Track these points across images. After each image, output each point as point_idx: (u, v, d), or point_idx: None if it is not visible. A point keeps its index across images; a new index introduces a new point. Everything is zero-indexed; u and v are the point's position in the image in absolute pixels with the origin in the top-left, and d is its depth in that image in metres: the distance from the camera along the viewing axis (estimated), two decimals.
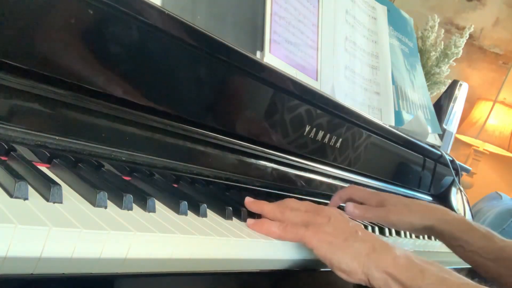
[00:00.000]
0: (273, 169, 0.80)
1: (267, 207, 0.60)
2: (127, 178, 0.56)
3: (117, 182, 0.52)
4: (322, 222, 0.56)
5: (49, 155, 0.50)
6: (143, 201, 0.47)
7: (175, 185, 0.62)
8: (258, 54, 0.78)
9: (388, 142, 1.05)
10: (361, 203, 0.77)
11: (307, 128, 0.81)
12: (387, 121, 1.07)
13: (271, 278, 0.54)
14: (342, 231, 0.55)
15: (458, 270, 0.56)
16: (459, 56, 1.49)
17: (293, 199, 0.63)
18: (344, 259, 0.53)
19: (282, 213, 0.58)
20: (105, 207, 0.43)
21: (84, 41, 0.51)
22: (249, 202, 0.61)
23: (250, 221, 0.56)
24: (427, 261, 0.53)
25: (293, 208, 0.60)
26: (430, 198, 1.35)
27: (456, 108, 1.46)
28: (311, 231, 0.55)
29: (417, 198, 1.29)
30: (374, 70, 1.09)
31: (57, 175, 0.48)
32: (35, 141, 0.50)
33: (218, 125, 0.68)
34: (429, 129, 1.22)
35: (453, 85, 1.46)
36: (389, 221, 0.76)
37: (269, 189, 0.79)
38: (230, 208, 0.57)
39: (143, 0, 0.53)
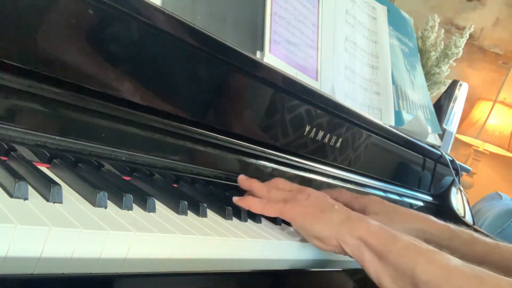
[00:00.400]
0: (273, 169, 0.80)
1: (256, 185, 0.65)
2: (127, 178, 0.56)
3: (117, 182, 0.52)
4: (302, 198, 0.61)
5: (49, 155, 0.50)
6: (143, 201, 0.47)
7: (175, 185, 0.62)
8: (258, 54, 0.78)
9: (388, 142, 1.05)
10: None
11: (307, 128, 0.81)
12: (387, 121, 1.07)
13: (271, 278, 0.54)
14: (320, 204, 0.59)
15: None
16: (459, 56, 1.49)
17: (282, 179, 0.68)
18: (318, 226, 0.56)
19: (268, 191, 0.63)
20: (105, 207, 0.43)
21: (84, 41, 0.51)
22: (242, 178, 0.67)
23: (235, 198, 0.61)
24: (400, 232, 0.55)
25: (279, 187, 0.65)
26: (430, 198, 1.35)
27: (456, 108, 1.46)
28: (289, 206, 0.59)
29: (417, 198, 1.29)
30: (374, 70, 1.09)
31: (57, 175, 0.48)
32: (35, 141, 0.50)
33: (218, 125, 0.68)
34: (429, 129, 1.22)
35: (453, 85, 1.46)
36: None
37: None
38: (230, 208, 0.57)
39: (143, 0, 0.53)
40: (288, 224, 0.66)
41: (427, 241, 0.75)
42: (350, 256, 0.55)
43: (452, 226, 0.76)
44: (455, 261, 0.50)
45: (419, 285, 0.48)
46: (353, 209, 0.77)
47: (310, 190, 0.64)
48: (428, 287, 0.48)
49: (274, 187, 0.65)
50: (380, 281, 0.52)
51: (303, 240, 0.61)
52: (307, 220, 0.57)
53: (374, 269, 0.52)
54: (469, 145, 2.89)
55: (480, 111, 2.82)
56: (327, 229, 0.55)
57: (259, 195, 0.64)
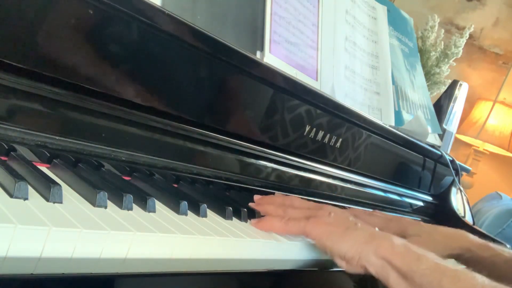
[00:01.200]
0: (273, 169, 0.80)
1: (270, 208, 0.62)
2: (127, 178, 0.56)
3: (117, 182, 0.52)
4: (323, 214, 0.59)
5: (49, 155, 0.50)
6: (143, 201, 0.47)
7: (175, 185, 0.62)
8: (258, 54, 0.78)
9: (388, 142, 1.05)
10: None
11: (307, 128, 0.81)
12: (387, 121, 1.07)
13: (271, 278, 0.54)
14: (343, 222, 0.58)
15: None
16: (459, 56, 1.49)
17: (297, 197, 0.66)
18: (343, 246, 0.55)
19: (285, 211, 0.61)
20: (105, 207, 0.43)
21: (84, 41, 0.51)
22: (254, 205, 0.64)
23: (253, 220, 0.58)
24: (424, 251, 0.54)
25: (295, 206, 0.62)
26: (430, 198, 1.35)
27: (456, 108, 1.46)
28: (312, 223, 0.57)
29: (417, 198, 1.29)
30: (374, 70, 1.09)
31: (57, 175, 0.48)
32: (35, 141, 0.50)
33: (218, 125, 0.68)
34: (429, 129, 1.22)
35: (453, 85, 1.46)
36: None
37: (269, 189, 0.78)
38: (230, 208, 0.57)
39: (143, 0, 0.53)
40: None
41: (469, 258, 0.74)
42: (375, 276, 0.55)
43: (491, 244, 0.75)
44: (481, 279, 0.49)
45: None
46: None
47: (330, 207, 0.62)
48: None
49: (290, 207, 0.63)
50: None
51: (303, 240, 0.61)
52: (331, 239, 0.56)
53: None
54: (469, 145, 2.89)
55: (480, 111, 2.81)
56: (351, 248, 0.55)
57: (276, 214, 0.61)
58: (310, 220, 0.58)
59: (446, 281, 0.49)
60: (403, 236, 0.75)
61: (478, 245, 0.76)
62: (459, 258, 0.75)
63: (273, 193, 0.79)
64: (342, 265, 0.56)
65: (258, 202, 0.64)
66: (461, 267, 0.53)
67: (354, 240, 0.55)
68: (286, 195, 0.72)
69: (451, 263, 0.55)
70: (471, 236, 0.76)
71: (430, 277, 0.50)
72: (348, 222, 0.58)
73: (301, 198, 0.68)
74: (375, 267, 0.54)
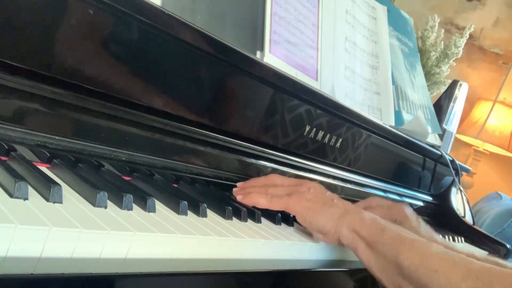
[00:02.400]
0: (273, 169, 0.80)
1: (254, 189, 0.67)
2: (127, 178, 0.56)
3: (117, 182, 0.52)
4: (304, 190, 0.65)
5: (49, 155, 0.50)
6: (143, 201, 0.47)
7: (175, 185, 0.62)
8: (258, 54, 0.78)
9: (388, 142, 1.05)
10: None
11: (307, 128, 0.81)
12: (387, 121, 1.07)
13: (271, 278, 0.54)
14: (321, 198, 0.64)
15: None
16: (459, 56, 1.49)
17: (277, 174, 0.72)
18: (321, 221, 0.61)
19: (266, 190, 0.66)
20: (105, 207, 0.43)
21: (84, 41, 0.51)
22: (236, 189, 0.68)
23: (239, 196, 0.64)
24: (391, 224, 0.60)
25: (276, 183, 0.68)
26: (430, 198, 1.35)
27: (456, 108, 1.46)
28: (294, 199, 0.63)
29: (417, 198, 1.29)
30: (374, 70, 1.09)
31: (57, 175, 0.48)
32: (35, 141, 0.50)
33: (218, 125, 0.68)
34: (429, 129, 1.22)
35: (453, 85, 1.46)
36: None
37: None
38: (230, 208, 0.57)
39: (143, 0, 0.53)
40: (289, 224, 0.66)
41: None
42: (347, 247, 0.61)
43: (499, 260, 0.74)
44: (436, 247, 0.54)
45: (402, 272, 0.53)
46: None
47: (308, 182, 0.68)
48: (409, 272, 0.52)
49: (272, 185, 0.67)
50: (371, 269, 0.57)
51: (303, 240, 0.61)
52: (310, 214, 0.62)
53: (366, 258, 0.58)
54: (469, 145, 2.89)
55: (480, 111, 2.81)
56: (328, 223, 0.60)
57: (260, 196, 0.65)
58: (292, 196, 0.63)
59: (403, 249, 0.54)
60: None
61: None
62: None
63: None
64: (320, 238, 0.62)
65: (241, 187, 0.69)
66: (420, 238, 0.57)
67: (331, 215, 0.61)
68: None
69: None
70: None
71: (391, 246, 0.55)
72: (325, 198, 0.64)
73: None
74: (347, 239, 0.59)
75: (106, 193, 0.44)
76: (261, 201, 0.64)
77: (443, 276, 0.50)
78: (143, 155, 0.60)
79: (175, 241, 0.44)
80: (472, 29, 1.49)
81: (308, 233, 0.65)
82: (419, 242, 0.55)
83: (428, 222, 1.12)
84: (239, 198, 0.64)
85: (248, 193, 0.66)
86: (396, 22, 1.24)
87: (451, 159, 1.30)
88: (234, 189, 0.68)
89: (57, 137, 0.52)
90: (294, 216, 0.65)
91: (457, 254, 0.53)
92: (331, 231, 0.60)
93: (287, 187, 0.67)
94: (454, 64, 1.51)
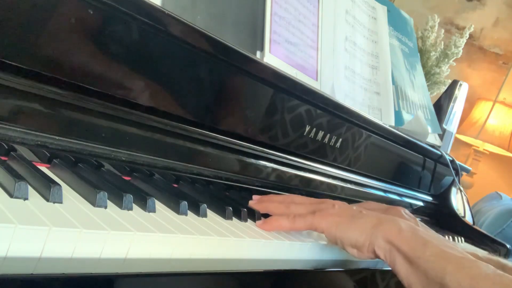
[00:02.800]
0: (273, 169, 0.80)
1: (272, 205, 0.62)
2: (127, 178, 0.56)
3: (117, 182, 0.52)
4: (328, 207, 0.60)
5: (49, 155, 0.50)
6: (143, 201, 0.47)
7: (175, 185, 0.62)
8: (258, 54, 0.78)
9: (388, 142, 1.05)
10: None
11: (307, 128, 0.81)
12: (387, 121, 1.07)
13: (271, 278, 0.54)
14: (348, 211, 0.59)
15: None
16: (459, 56, 1.49)
17: (297, 195, 0.66)
18: (353, 235, 0.56)
19: (288, 208, 0.61)
20: (105, 207, 0.43)
21: (83, 41, 0.51)
22: (253, 203, 0.63)
23: (258, 222, 0.58)
24: (433, 235, 0.55)
25: (298, 202, 0.62)
26: (430, 198, 1.35)
27: (456, 108, 1.46)
28: (318, 216, 0.57)
29: (417, 198, 1.29)
30: (374, 70, 1.09)
31: (57, 175, 0.48)
32: (35, 141, 0.50)
33: (218, 125, 0.68)
34: (429, 129, 1.22)
35: (453, 85, 1.46)
36: None
37: (269, 189, 0.78)
38: (230, 208, 0.57)
39: (143, 0, 0.53)
40: None
41: None
42: (383, 260, 0.56)
43: (502, 260, 0.74)
44: (486, 268, 0.49)
45: None
46: None
47: (331, 200, 0.63)
48: None
49: (292, 203, 0.62)
50: (411, 286, 0.52)
51: (303, 240, 0.61)
52: (340, 229, 0.57)
53: (405, 274, 0.53)
54: (469, 145, 2.89)
55: (480, 111, 2.82)
56: (361, 235, 0.55)
57: (279, 214, 0.61)
58: (316, 213, 0.58)
59: (450, 269, 0.49)
60: None
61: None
62: None
63: (273, 193, 0.79)
64: (354, 253, 0.57)
65: (258, 200, 0.64)
66: (467, 254, 0.52)
67: (363, 227, 0.56)
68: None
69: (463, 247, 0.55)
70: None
71: (435, 264, 0.50)
72: (352, 211, 0.59)
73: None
74: (383, 251, 0.54)
75: (106, 193, 0.44)
76: (283, 223, 0.57)
77: None
78: (143, 155, 0.60)
79: (175, 241, 0.44)
80: (472, 29, 1.49)
81: (308, 233, 0.65)
82: (467, 261, 0.50)
83: (428, 222, 1.12)
84: (258, 224, 0.58)
85: (267, 210, 0.61)
86: (396, 22, 1.24)
87: (451, 159, 1.30)
88: (251, 202, 0.64)
89: (57, 137, 0.52)
90: None
91: (510, 277, 0.48)
92: (366, 243, 0.55)
93: (309, 205, 0.62)
94: (454, 64, 1.51)
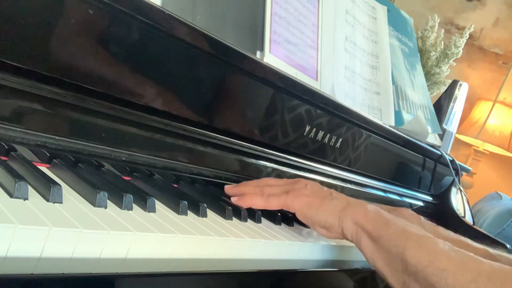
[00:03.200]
0: (273, 169, 0.80)
1: (246, 188, 0.65)
2: (127, 178, 0.56)
3: (117, 182, 0.52)
4: (301, 187, 0.63)
5: (49, 155, 0.50)
6: (143, 201, 0.47)
7: (175, 185, 0.62)
8: (258, 54, 0.78)
9: (388, 142, 1.05)
10: None
11: (307, 128, 0.81)
12: (387, 121, 1.07)
13: (271, 278, 0.54)
14: (319, 193, 0.62)
15: None
16: (459, 56, 1.49)
17: (270, 177, 0.70)
18: (323, 216, 0.59)
19: (262, 190, 0.63)
20: (105, 207, 0.43)
21: (83, 41, 0.51)
22: (228, 187, 0.66)
23: (233, 198, 0.61)
24: (396, 217, 0.58)
25: (271, 184, 0.65)
26: (430, 198, 1.35)
27: (456, 108, 1.46)
28: (291, 196, 0.61)
29: (417, 198, 1.29)
30: (374, 70, 1.09)
31: (57, 175, 0.48)
32: (35, 141, 0.50)
33: (218, 125, 0.68)
34: (429, 129, 1.22)
35: (453, 85, 1.46)
36: None
37: None
38: (230, 208, 0.57)
39: (143, 0, 0.53)
40: (289, 224, 0.66)
41: None
42: (350, 241, 0.59)
43: (490, 250, 0.75)
44: (443, 244, 0.52)
45: (408, 268, 0.51)
46: None
47: (304, 180, 0.66)
48: (416, 270, 0.50)
49: (265, 185, 0.65)
50: (375, 264, 0.55)
51: (303, 240, 0.61)
52: (311, 209, 0.60)
53: (369, 252, 0.56)
54: (469, 145, 2.89)
55: (480, 111, 2.82)
56: (331, 217, 0.59)
57: (255, 195, 0.63)
58: (289, 193, 0.61)
59: (410, 245, 0.52)
60: None
61: (478, 251, 0.74)
62: None
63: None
64: (323, 233, 0.60)
65: (232, 186, 0.66)
66: (426, 233, 0.55)
67: (333, 209, 0.59)
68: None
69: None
70: (471, 242, 0.76)
71: (396, 241, 0.53)
72: (324, 192, 0.62)
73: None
74: (350, 232, 0.58)
75: (106, 193, 0.44)
76: (257, 202, 0.61)
77: (451, 276, 0.48)
78: (143, 155, 0.60)
79: (175, 241, 0.44)
80: (472, 29, 1.49)
81: (308, 233, 0.65)
82: (426, 239, 0.53)
83: None
84: (233, 200, 0.61)
85: (242, 193, 0.64)
86: (396, 22, 1.24)
87: (451, 159, 1.30)
88: (226, 187, 0.66)
89: (57, 137, 0.52)
90: (294, 216, 0.64)
91: (466, 253, 0.51)
92: (335, 224, 0.58)
93: (283, 186, 0.65)
94: (454, 64, 1.51)
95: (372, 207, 0.59)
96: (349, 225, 0.58)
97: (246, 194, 0.63)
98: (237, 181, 0.73)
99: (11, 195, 0.38)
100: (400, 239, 0.53)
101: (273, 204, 0.61)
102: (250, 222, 0.59)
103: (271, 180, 0.67)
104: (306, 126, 0.81)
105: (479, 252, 0.73)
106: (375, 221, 0.56)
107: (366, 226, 0.56)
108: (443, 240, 0.54)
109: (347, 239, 0.59)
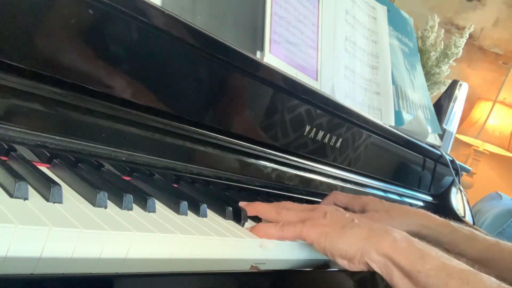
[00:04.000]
0: (273, 169, 0.80)
1: (261, 207, 0.60)
2: (127, 178, 0.56)
3: (117, 182, 0.52)
4: (319, 216, 0.57)
5: (49, 155, 0.50)
6: (143, 201, 0.47)
7: (175, 185, 0.62)
8: (258, 54, 0.78)
9: (388, 142, 1.05)
10: (345, 209, 0.75)
11: (307, 128, 0.81)
12: (387, 121, 1.07)
13: (271, 278, 0.54)
14: (339, 221, 0.55)
15: None
16: (459, 56, 1.49)
17: (289, 201, 0.63)
18: (343, 245, 0.53)
19: (278, 213, 0.58)
20: (105, 207, 0.43)
21: (83, 41, 0.51)
22: (243, 204, 0.61)
23: (248, 228, 0.56)
24: (427, 245, 0.53)
25: (289, 208, 0.60)
26: (430, 198, 1.35)
27: (456, 108, 1.46)
28: (308, 226, 0.55)
29: (417, 198, 1.29)
30: (374, 70, 1.09)
31: (57, 175, 0.48)
32: (35, 141, 0.50)
33: (218, 125, 0.68)
34: (429, 129, 1.22)
35: (453, 85, 1.46)
36: None
37: (269, 189, 0.78)
38: (230, 208, 0.57)
39: (143, 0, 0.53)
40: None
41: (428, 236, 0.75)
42: (380, 274, 0.53)
43: (452, 222, 0.76)
44: (489, 281, 0.47)
45: None
46: (353, 210, 0.78)
47: (323, 207, 0.60)
48: None
49: (283, 208, 0.60)
50: None
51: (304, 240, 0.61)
52: (329, 240, 0.54)
53: None
54: (469, 145, 2.89)
55: (480, 111, 2.82)
56: (351, 247, 0.53)
57: (269, 217, 0.59)
58: (306, 222, 0.55)
59: (453, 283, 0.47)
60: (363, 212, 0.77)
61: (438, 222, 0.76)
62: (417, 234, 0.71)
63: (273, 193, 0.79)
64: (345, 265, 0.54)
65: (248, 203, 0.62)
66: (468, 267, 0.50)
67: (354, 238, 0.53)
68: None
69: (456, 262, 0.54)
70: (432, 215, 0.77)
71: (436, 278, 0.48)
72: (344, 220, 0.56)
73: (300, 198, 0.68)
74: (378, 265, 0.52)
75: (106, 193, 0.44)
76: (271, 231, 0.54)
77: None
78: (143, 155, 0.60)
79: (175, 241, 0.44)
80: (472, 29, 1.49)
81: None
82: (471, 275, 0.48)
83: None
84: (248, 228, 0.56)
85: (257, 212, 0.59)
86: (396, 22, 1.24)
87: (451, 159, 1.30)
88: (241, 203, 0.61)
89: (57, 137, 0.52)
90: None
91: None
92: (357, 256, 0.52)
93: (300, 212, 0.59)
94: (454, 64, 1.51)
95: (400, 234, 0.53)
96: (375, 257, 0.52)
97: (260, 223, 0.58)
98: (237, 181, 0.73)
99: (11, 195, 0.38)
100: (441, 276, 0.48)
101: (288, 235, 0.55)
102: (250, 222, 0.59)
103: (289, 204, 0.61)
104: (306, 126, 0.81)
105: (441, 222, 0.75)
106: (408, 254, 0.50)
107: (398, 260, 0.50)
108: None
109: (374, 271, 0.53)
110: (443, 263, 0.49)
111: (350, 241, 0.53)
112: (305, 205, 0.61)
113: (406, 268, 0.50)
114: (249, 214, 0.59)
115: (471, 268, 0.50)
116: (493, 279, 0.48)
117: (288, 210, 0.59)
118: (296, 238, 0.56)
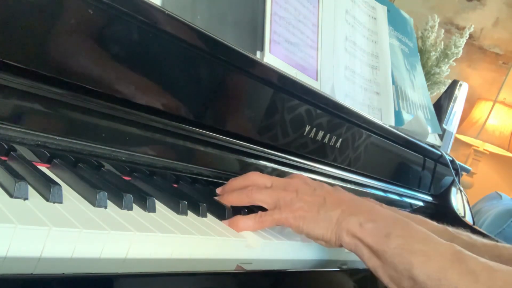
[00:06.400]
0: (273, 169, 0.80)
1: (232, 198, 0.60)
2: (127, 178, 0.56)
3: (117, 182, 0.52)
4: (292, 197, 0.58)
5: (49, 155, 0.50)
6: (143, 201, 0.47)
7: (175, 185, 0.62)
8: (258, 54, 0.78)
9: (388, 142, 1.05)
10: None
11: (307, 128, 0.81)
12: (387, 121, 1.07)
13: (271, 278, 0.54)
14: (312, 203, 0.58)
15: None
16: (459, 56, 1.49)
17: (256, 172, 0.63)
18: (320, 231, 0.56)
19: (249, 196, 0.59)
20: (105, 207, 0.43)
21: (83, 41, 0.51)
22: (218, 198, 0.61)
23: (225, 222, 0.56)
24: (395, 221, 0.54)
25: (259, 186, 0.60)
26: (430, 198, 1.35)
27: (456, 108, 1.46)
28: (284, 211, 0.57)
29: (417, 198, 1.29)
30: (374, 70, 1.09)
31: (57, 175, 0.48)
32: (35, 141, 0.50)
33: (218, 125, 0.68)
34: (429, 129, 1.22)
35: (453, 85, 1.46)
36: None
37: None
38: (230, 208, 0.57)
39: (143, 0, 0.53)
40: None
41: None
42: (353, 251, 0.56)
43: (450, 228, 0.75)
44: (451, 255, 0.49)
45: (416, 285, 0.49)
46: None
47: (293, 183, 0.61)
48: (425, 286, 0.48)
49: (253, 189, 0.60)
50: (380, 278, 0.53)
51: (303, 240, 0.61)
52: (306, 224, 0.57)
53: (373, 267, 0.53)
54: (469, 145, 2.89)
55: (480, 111, 2.82)
56: (327, 231, 0.56)
57: (243, 204, 0.60)
58: (282, 209, 0.57)
59: (417, 260, 0.49)
60: None
61: (436, 229, 0.75)
62: None
63: None
64: (323, 244, 0.58)
65: (220, 192, 0.62)
66: (434, 240, 0.52)
67: (328, 223, 0.56)
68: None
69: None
70: (429, 221, 0.76)
71: (401, 257, 0.50)
72: (316, 199, 0.58)
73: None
74: (349, 246, 0.55)
75: (106, 193, 0.44)
76: (249, 224, 0.56)
77: None
78: (143, 155, 0.60)
79: (175, 241, 0.44)
80: (472, 29, 1.49)
81: None
82: (432, 250, 0.50)
83: None
84: (224, 222, 0.56)
85: (229, 202, 0.59)
86: (396, 22, 1.24)
87: (451, 159, 1.30)
88: (215, 198, 0.61)
89: (57, 137, 0.52)
90: None
91: (476, 260, 0.48)
92: (332, 238, 0.56)
93: (272, 192, 0.59)
94: (454, 64, 1.51)
95: (366, 216, 0.56)
96: (347, 240, 0.55)
97: (237, 216, 0.57)
98: None
99: (11, 195, 0.38)
100: (405, 255, 0.50)
101: (266, 225, 0.57)
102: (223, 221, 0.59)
103: (259, 178, 0.62)
104: (306, 126, 0.81)
105: (439, 229, 0.74)
106: (374, 234, 0.53)
107: (365, 240, 0.53)
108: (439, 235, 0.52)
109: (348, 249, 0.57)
110: (407, 241, 0.51)
111: (325, 226, 0.56)
112: (274, 179, 0.62)
113: (373, 246, 0.53)
114: (226, 203, 0.59)
115: (435, 238, 0.52)
116: (455, 247, 0.50)
117: (259, 192, 0.59)
118: (274, 225, 0.58)
